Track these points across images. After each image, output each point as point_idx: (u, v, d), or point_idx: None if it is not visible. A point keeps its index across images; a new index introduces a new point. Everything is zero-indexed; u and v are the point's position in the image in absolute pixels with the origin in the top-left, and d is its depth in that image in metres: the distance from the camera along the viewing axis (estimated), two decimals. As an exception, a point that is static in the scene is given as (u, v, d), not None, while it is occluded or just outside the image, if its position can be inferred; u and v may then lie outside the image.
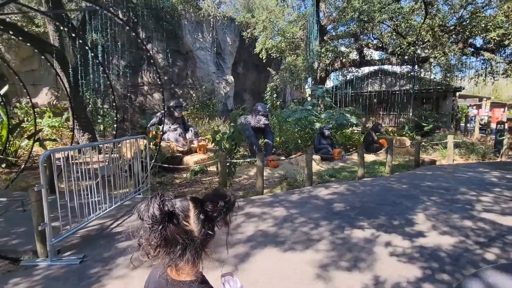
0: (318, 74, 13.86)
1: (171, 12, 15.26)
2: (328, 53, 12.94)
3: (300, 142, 9.44)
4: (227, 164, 4.92)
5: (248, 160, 6.48)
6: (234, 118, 4.89)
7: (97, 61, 6.48)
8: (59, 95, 13.47)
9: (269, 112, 7.48)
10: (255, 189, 4.70)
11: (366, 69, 18.04)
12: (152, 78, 15.68)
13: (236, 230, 3.10)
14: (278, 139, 9.38)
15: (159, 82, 4.96)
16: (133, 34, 5.66)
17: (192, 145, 8.30)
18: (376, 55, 15.57)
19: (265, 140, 7.82)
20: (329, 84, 19.67)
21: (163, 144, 7.42)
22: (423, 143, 11.56)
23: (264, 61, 15.56)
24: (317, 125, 9.09)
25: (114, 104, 6.72)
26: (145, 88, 15.70)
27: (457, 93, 16.90)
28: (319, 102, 10.83)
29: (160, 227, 0.66)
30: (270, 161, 7.06)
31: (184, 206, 0.69)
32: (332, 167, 7.18)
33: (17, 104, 12.84)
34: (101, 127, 13.81)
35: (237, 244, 2.74)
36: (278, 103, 15.59)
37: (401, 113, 17.20)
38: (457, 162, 7.82)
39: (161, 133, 5.64)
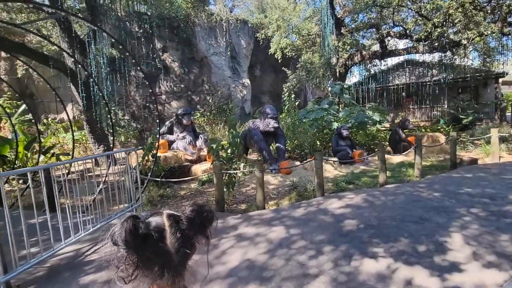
0: (337, 70, 12.99)
1: (185, 20, 15.32)
2: (346, 46, 12.05)
3: (318, 144, 8.74)
4: (228, 174, 4.47)
5: (250, 169, 5.98)
6: (232, 124, 4.40)
7: (91, 79, 6.39)
8: (81, 109, 14.02)
9: (279, 114, 6.94)
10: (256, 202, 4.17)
11: (392, 61, 16.74)
12: (169, 87, 15.85)
13: (219, 259, 2.60)
14: (295, 141, 8.76)
15: (151, 90, 4.66)
16: (121, 46, 5.41)
17: (201, 153, 7.98)
18: (401, 44, 14.29)
19: (277, 144, 7.26)
20: (354, 80, 18.59)
21: (169, 153, 7.18)
22: (461, 139, 10.22)
23: (280, 61, 14.97)
24: (335, 125, 8.34)
25: (109, 116, 6.62)
26: (163, 97, 15.90)
27: (500, 79, 14.94)
28: (338, 99, 10.02)
29: (135, 251, 0.64)
30: (282, 168, 6.49)
31: (159, 226, 0.67)
32: (352, 172, 6.41)
33: (44, 121, 13.63)
34: (122, 138, 14.16)
35: (213, 281, 2.24)
36: (297, 103, 14.91)
37: (434, 105, 15.61)
38: (505, 160, 6.63)
39: (157, 144, 5.34)
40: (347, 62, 12.80)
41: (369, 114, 8.32)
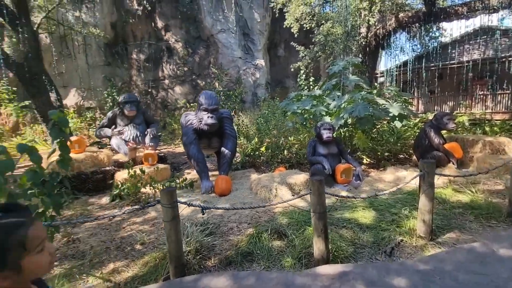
0: (361, 42, 9.69)
1: (188, -7, 13.42)
2: (374, 7, 8.65)
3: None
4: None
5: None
6: (55, 122, 2.31)
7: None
8: (84, 95, 13.58)
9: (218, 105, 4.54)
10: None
11: (458, 31, 12.23)
12: (173, 70, 14.41)
13: None
14: (264, 145, 6.34)
15: None
16: None
17: (139, 154, 6.20)
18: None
19: (222, 149, 5.01)
20: (403, 59, 14.55)
21: (82, 155, 5.55)
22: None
23: (296, 36, 11.99)
24: (327, 119, 5.62)
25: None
26: (166, 82, 14.59)
27: None
28: (341, 83, 7.02)
29: None
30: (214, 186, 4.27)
31: None
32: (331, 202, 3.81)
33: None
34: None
35: None
36: (316, 88, 11.98)
37: (518, 91, 10.88)
38: None
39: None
40: (377, 31, 9.36)
41: (380, 105, 5.32)
